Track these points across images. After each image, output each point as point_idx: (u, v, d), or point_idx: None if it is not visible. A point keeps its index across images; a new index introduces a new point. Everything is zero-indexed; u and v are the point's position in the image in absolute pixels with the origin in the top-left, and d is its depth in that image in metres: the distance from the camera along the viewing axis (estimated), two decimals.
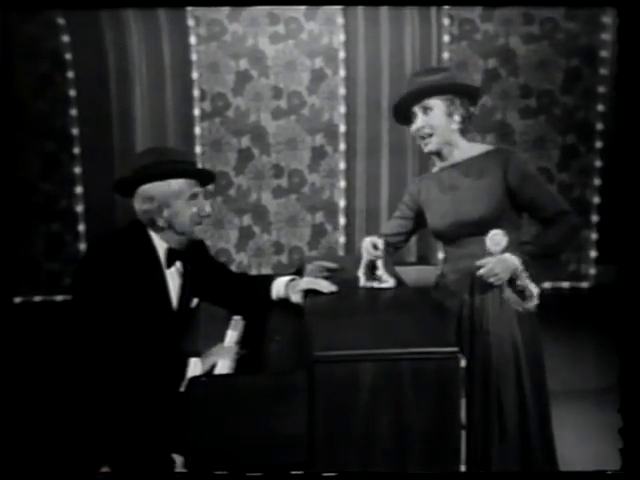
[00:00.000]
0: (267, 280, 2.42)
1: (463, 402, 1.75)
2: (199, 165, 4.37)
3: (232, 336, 2.44)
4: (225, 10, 5.25)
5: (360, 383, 1.72)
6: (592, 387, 3.27)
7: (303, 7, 5.26)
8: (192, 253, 2.29)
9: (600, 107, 5.43)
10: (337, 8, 5.27)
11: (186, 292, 2.26)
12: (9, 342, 4.18)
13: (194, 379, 1.88)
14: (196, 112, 5.35)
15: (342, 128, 5.45)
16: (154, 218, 2.14)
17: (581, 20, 5.31)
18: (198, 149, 5.38)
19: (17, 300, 5.33)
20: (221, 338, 2.41)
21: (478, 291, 2.26)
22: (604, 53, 5.37)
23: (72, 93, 5.19)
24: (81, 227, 5.35)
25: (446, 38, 5.38)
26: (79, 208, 5.33)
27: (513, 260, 2.18)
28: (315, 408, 1.73)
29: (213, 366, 2.11)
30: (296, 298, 2.34)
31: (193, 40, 5.27)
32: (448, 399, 1.74)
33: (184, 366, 2.06)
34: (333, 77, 5.40)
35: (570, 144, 5.54)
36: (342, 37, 5.34)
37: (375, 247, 2.33)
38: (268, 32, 5.32)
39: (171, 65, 5.28)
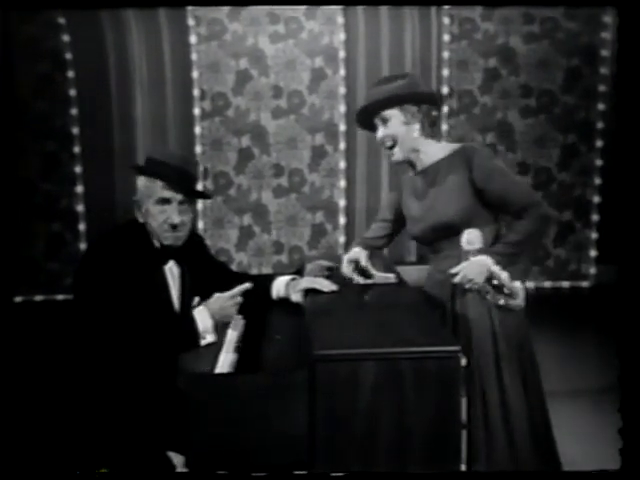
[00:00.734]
0: (267, 280, 2.42)
1: (464, 401, 1.75)
2: (199, 171, 4.37)
3: (232, 335, 2.43)
4: (225, 9, 5.26)
5: (361, 382, 1.72)
6: (592, 387, 3.27)
7: (303, 6, 5.27)
8: (191, 251, 2.29)
9: (600, 106, 5.44)
10: (337, 8, 5.27)
11: (186, 290, 2.27)
12: (10, 341, 4.19)
13: (195, 378, 1.88)
14: (196, 111, 5.36)
15: (342, 127, 5.46)
16: (136, 211, 2.15)
17: (581, 19, 5.32)
18: (198, 148, 5.38)
19: (18, 299, 5.34)
20: (221, 337, 2.41)
21: (458, 295, 2.26)
22: (604, 52, 5.37)
23: (72, 93, 5.20)
24: (81, 226, 5.35)
25: (446, 37, 5.38)
26: (79, 207, 5.34)
27: (485, 261, 2.14)
28: (316, 407, 1.73)
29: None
30: (296, 297, 2.34)
31: (193, 39, 5.27)
32: (449, 398, 1.74)
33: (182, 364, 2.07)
34: (333, 76, 5.41)
35: (570, 143, 5.54)
36: (342, 36, 5.35)
37: (356, 266, 2.37)
38: (268, 31, 5.32)
39: (171, 64, 5.28)
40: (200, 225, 5.37)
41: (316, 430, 1.73)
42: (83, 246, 5.32)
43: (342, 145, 5.48)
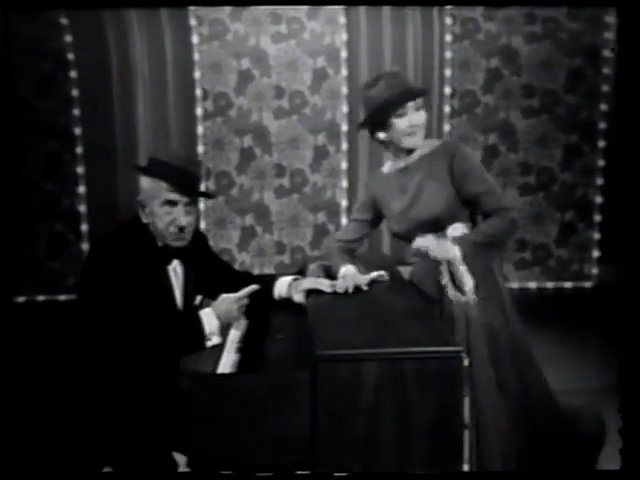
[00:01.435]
0: (269, 280, 2.43)
1: (466, 401, 1.75)
2: (203, 170, 4.36)
3: (234, 335, 2.44)
4: (227, 10, 5.25)
5: (363, 382, 1.72)
6: (592, 387, 3.27)
7: (305, 7, 5.26)
8: (195, 250, 2.29)
9: (603, 106, 5.42)
10: (339, 8, 5.27)
11: (190, 290, 2.27)
12: (11, 341, 4.20)
13: (197, 378, 1.89)
14: (198, 112, 5.36)
15: (344, 128, 5.45)
16: (139, 211, 2.15)
17: (584, 19, 5.30)
18: (200, 149, 5.38)
19: (20, 299, 5.34)
20: (223, 337, 2.41)
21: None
22: (607, 52, 5.35)
23: (75, 93, 5.20)
24: (84, 227, 5.35)
25: (448, 37, 5.38)
26: (82, 208, 5.34)
27: (453, 249, 2.22)
28: (318, 407, 1.73)
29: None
30: (298, 298, 2.34)
31: (195, 40, 5.27)
32: (451, 398, 1.74)
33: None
34: (335, 77, 5.41)
35: (573, 143, 5.53)
36: (344, 37, 5.34)
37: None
38: (270, 32, 5.32)
39: (173, 65, 5.28)
40: (202, 225, 5.37)
41: (318, 430, 1.74)
42: (85, 246, 5.32)
43: (344, 145, 5.48)
